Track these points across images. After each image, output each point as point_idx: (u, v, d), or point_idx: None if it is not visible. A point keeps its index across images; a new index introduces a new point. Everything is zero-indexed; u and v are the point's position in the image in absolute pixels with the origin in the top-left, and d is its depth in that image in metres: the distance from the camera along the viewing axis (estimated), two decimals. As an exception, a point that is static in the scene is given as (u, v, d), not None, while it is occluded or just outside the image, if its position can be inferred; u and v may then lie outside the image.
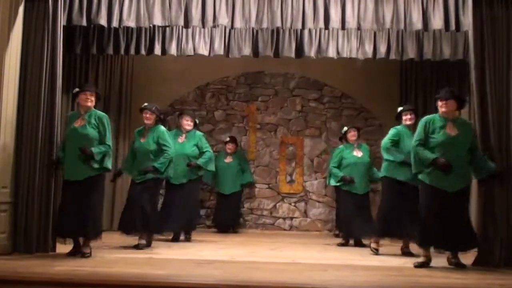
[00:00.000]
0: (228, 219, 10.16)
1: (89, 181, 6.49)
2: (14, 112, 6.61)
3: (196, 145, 8.66)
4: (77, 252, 6.46)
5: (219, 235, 9.30)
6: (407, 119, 7.48)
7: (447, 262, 6.39)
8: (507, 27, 6.61)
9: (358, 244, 8.44)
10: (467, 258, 6.70)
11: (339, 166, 8.56)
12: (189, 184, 8.50)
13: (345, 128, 8.80)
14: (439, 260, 6.44)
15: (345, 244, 8.49)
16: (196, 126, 8.87)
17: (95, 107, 6.77)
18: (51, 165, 6.69)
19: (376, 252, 7.37)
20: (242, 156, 10.51)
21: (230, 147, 10.26)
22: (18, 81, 6.67)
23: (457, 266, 6.27)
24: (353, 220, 8.31)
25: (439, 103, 6.44)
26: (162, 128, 7.73)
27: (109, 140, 6.67)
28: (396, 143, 7.30)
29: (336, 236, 9.50)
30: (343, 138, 8.89)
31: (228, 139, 10.39)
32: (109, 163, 6.67)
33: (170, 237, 8.40)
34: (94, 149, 6.47)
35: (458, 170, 6.20)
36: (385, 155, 7.35)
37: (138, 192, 7.42)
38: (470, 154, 6.33)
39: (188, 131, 8.67)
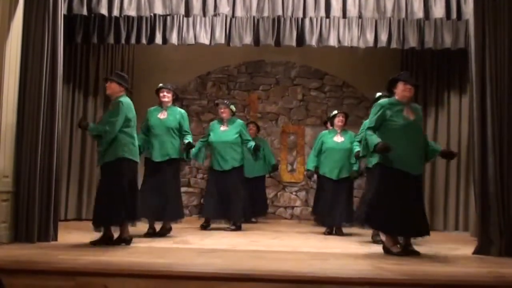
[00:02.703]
0: (254, 207, 9.95)
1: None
2: (15, 102, 6.60)
3: (239, 134, 8.84)
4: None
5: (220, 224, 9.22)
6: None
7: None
8: (508, 16, 6.56)
9: (337, 232, 8.41)
10: (468, 247, 6.72)
11: (319, 153, 8.55)
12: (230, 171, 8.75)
13: (335, 112, 8.68)
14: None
15: (330, 232, 8.43)
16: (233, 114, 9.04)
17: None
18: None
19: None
20: (264, 142, 10.41)
21: (251, 127, 10.22)
22: (19, 71, 6.66)
23: (412, 253, 6.22)
24: (329, 207, 8.30)
25: (404, 87, 6.35)
26: (185, 112, 7.94)
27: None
28: None
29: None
30: (329, 121, 8.83)
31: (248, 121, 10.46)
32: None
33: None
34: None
35: (417, 154, 6.25)
36: None
37: (163, 174, 7.61)
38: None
39: (228, 119, 8.83)
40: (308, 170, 8.75)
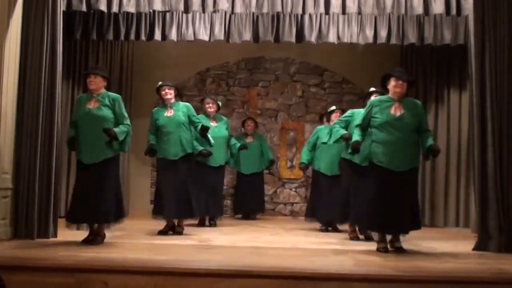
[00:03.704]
0: (251, 204, 10.06)
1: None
2: (14, 98, 6.60)
3: (227, 130, 8.98)
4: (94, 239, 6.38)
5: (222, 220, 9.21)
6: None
7: (389, 245, 6.34)
8: (508, 12, 6.55)
9: (334, 228, 8.38)
10: (468, 243, 6.73)
11: (313, 147, 8.54)
12: (223, 166, 8.99)
13: (333, 107, 8.64)
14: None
15: (326, 228, 8.38)
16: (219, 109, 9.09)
17: (107, 88, 6.68)
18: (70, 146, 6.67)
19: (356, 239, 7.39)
20: (262, 138, 10.47)
21: (249, 123, 10.24)
22: (18, 67, 6.65)
23: (399, 250, 6.22)
24: (324, 203, 8.23)
25: (395, 83, 6.25)
26: (189, 104, 7.85)
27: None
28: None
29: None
30: (325, 116, 8.82)
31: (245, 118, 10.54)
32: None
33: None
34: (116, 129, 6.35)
35: (403, 150, 6.14)
36: None
37: (180, 172, 7.47)
38: (418, 135, 6.26)
39: (214, 115, 8.87)
40: (301, 163, 8.76)
